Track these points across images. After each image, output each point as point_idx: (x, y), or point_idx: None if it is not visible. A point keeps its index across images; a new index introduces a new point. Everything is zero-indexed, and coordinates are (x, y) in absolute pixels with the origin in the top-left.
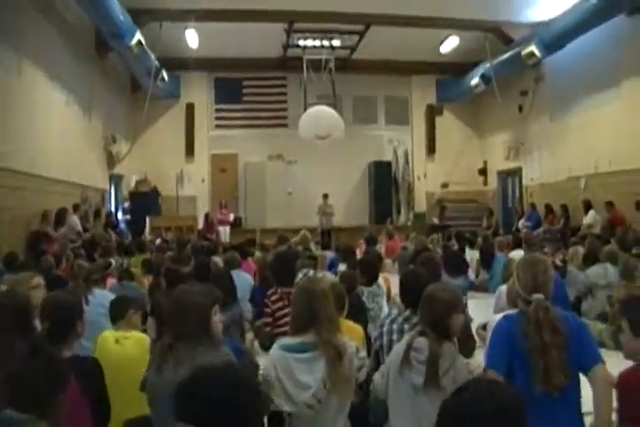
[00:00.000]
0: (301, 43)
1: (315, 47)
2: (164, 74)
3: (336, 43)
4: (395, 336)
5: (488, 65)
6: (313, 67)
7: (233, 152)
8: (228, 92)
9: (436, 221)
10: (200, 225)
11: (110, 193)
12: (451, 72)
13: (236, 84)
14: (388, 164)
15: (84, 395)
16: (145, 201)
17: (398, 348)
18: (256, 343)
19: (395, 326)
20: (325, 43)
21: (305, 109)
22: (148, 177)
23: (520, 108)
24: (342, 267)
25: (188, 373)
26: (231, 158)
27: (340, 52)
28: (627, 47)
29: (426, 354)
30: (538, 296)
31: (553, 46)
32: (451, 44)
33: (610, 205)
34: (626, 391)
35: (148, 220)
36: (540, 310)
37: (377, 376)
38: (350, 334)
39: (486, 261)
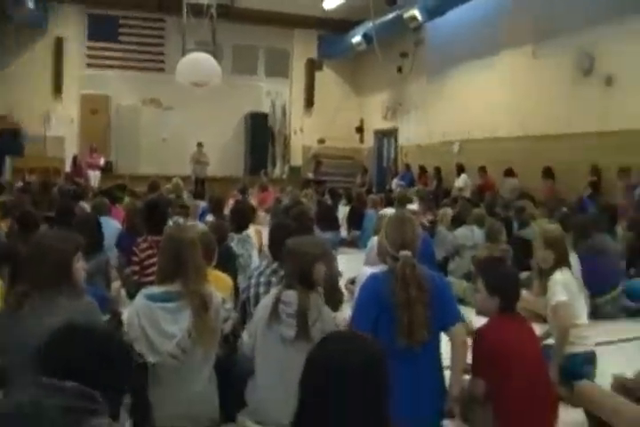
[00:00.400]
0: None
1: None
2: (30, 1)
3: None
4: (262, 289)
5: (371, 24)
6: (193, 11)
7: (105, 93)
8: (102, 30)
9: (310, 175)
10: (68, 168)
11: None
12: (333, 28)
13: (111, 21)
14: (266, 115)
15: None
16: (4, 140)
17: (266, 301)
18: (123, 292)
19: (262, 279)
20: None
21: (183, 55)
22: (13, 114)
23: (399, 70)
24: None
25: (48, 323)
26: (103, 100)
27: None
28: (505, 21)
29: (295, 307)
30: (405, 253)
31: (434, 12)
32: (335, 0)
33: (482, 170)
34: (481, 345)
35: (8, 160)
36: (407, 267)
37: (244, 334)
38: (218, 284)
39: (358, 217)
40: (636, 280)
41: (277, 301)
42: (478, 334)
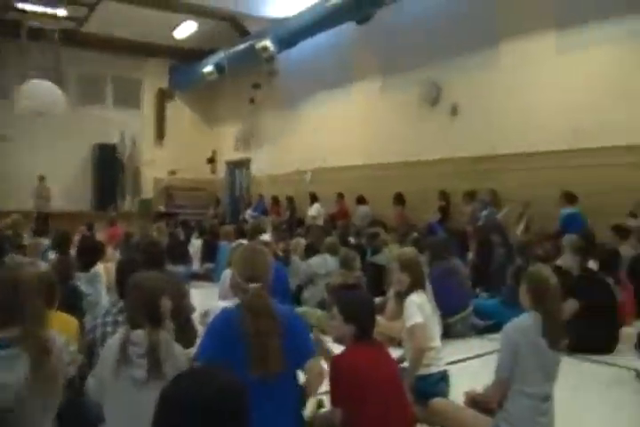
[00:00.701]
0: (20, 6)
1: (36, 14)
2: None
3: (61, 12)
4: (109, 328)
5: (223, 55)
6: (35, 35)
7: None
8: None
9: (162, 208)
10: None
11: None
12: (185, 58)
13: None
14: (114, 147)
15: None
16: None
17: (112, 342)
18: None
19: (109, 318)
20: (50, 10)
21: (23, 82)
22: None
23: (252, 101)
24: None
25: None
26: None
27: (66, 23)
28: (355, 54)
29: (144, 347)
30: (254, 285)
31: (287, 43)
32: (187, 29)
33: (340, 197)
34: (337, 374)
35: None
36: (256, 299)
37: (90, 380)
38: (62, 327)
39: (211, 250)
40: (483, 299)
41: (126, 342)
42: (334, 363)
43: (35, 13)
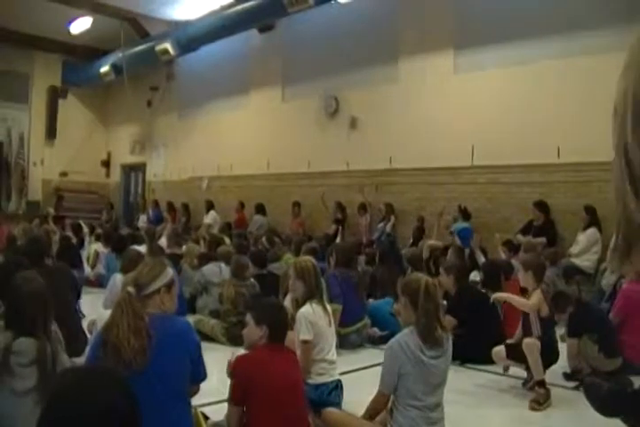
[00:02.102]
0: None
1: None
2: None
3: None
4: None
5: (121, 55)
6: None
7: None
8: None
9: (52, 210)
10: None
11: None
12: (81, 55)
13: None
14: (0, 145)
15: None
16: None
17: None
18: None
19: None
20: None
21: None
22: None
23: (149, 103)
24: None
25: None
26: None
27: None
28: (255, 60)
29: (32, 356)
30: (130, 290)
31: (187, 47)
32: (82, 25)
33: (241, 205)
34: (236, 372)
35: None
36: (126, 299)
37: None
38: None
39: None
40: (377, 302)
41: (7, 351)
42: (236, 360)
43: None
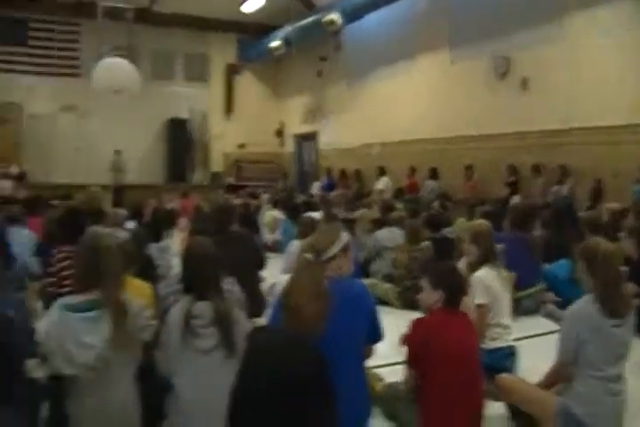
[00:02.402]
0: None
1: None
2: None
3: None
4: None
5: (290, 28)
6: (109, 15)
7: (15, 101)
8: (9, 33)
9: (232, 180)
10: None
11: None
12: (253, 32)
13: (21, 24)
14: (185, 121)
15: None
16: None
17: (174, 314)
18: (40, 303)
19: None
20: None
21: (99, 60)
22: None
23: (319, 74)
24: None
25: None
26: (14, 108)
27: (139, 2)
28: (422, 26)
29: (209, 318)
30: (308, 256)
31: (353, 16)
32: (254, 4)
33: (411, 171)
34: (413, 334)
35: None
36: (304, 265)
37: (157, 353)
38: (138, 292)
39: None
40: (553, 267)
41: (187, 315)
42: (413, 323)
43: None
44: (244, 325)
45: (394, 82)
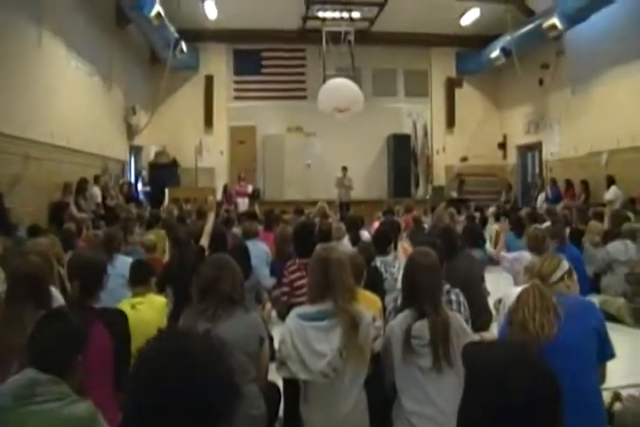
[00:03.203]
0: (320, 14)
1: (334, 19)
2: (183, 45)
3: (355, 15)
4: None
5: (508, 37)
6: (332, 39)
7: (251, 124)
8: (246, 64)
9: (454, 194)
10: (219, 197)
11: (130, 164)
12: (471, 44)
13: (254, 55)
14: (407, 137)
15: (111, 341)
16: (164, 173)
17: (396, 331)
18: (274, 313)
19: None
20: (345, 15)
21: (324, 82)
22: (167, 149)
23: (541, 82)
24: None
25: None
26: (249, 130)
27: (359, 24)
28: None
29: (427, 339)
30: (536, 282)
31: (575, 19)
32: (471, 16)
33: None
34: None
35: (167, 191)
36: (536, 289)
37: (383, 364)
38: (368, 304)
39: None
40: None
41: (408, 334)
42: None
43: (333, 19)
44: (468, 338)
45: (626, 83)
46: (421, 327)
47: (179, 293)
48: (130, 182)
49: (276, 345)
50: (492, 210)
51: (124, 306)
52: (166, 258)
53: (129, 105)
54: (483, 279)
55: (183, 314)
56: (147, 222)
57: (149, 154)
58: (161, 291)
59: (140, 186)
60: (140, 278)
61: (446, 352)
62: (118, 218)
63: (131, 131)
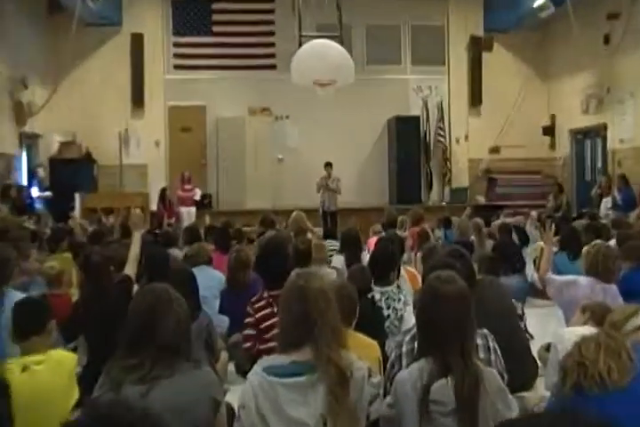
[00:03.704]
0: None
1: None
2: None
3: None
4: (405, 361)
5: None
6: None
7: (199, 104)
8: (191, 21)
9: (481, 199)
10: (154, 206)
11: (21, 160)
12: None
13: (203, 7)
14: (416, 120)
15: None
16: (73, 172)
17: (408, 391)
18: (231, 367)
19: (404, 348)
20: None
21: (300, 45)
22: (78, 138)
23: (606, 39)
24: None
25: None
26: (196, 112)
27: None
28: None
29: (452, 404)
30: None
31: None
32: None
33: None
34: None
35: (77, 198)
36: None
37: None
38: (362, 352)
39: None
40: None
41: (425, 396)
42: None
43: None
44: (506, 406)
45: None
46: (444, 388)
47: (94, 344)
48: (20, 185)
49: (235, 411)
50: (533, 215)
51: (12, 368)
52: (75, 293)
53: (17, 75)
54: (521, 317)
55: (103, 374)
56: (47, 243)
57: (50, 145)
58: (68, 342)
59: (35, 190)
60: (29, 328)
61: (476, 423)
62: (4, 236)
63: (21, 112)
